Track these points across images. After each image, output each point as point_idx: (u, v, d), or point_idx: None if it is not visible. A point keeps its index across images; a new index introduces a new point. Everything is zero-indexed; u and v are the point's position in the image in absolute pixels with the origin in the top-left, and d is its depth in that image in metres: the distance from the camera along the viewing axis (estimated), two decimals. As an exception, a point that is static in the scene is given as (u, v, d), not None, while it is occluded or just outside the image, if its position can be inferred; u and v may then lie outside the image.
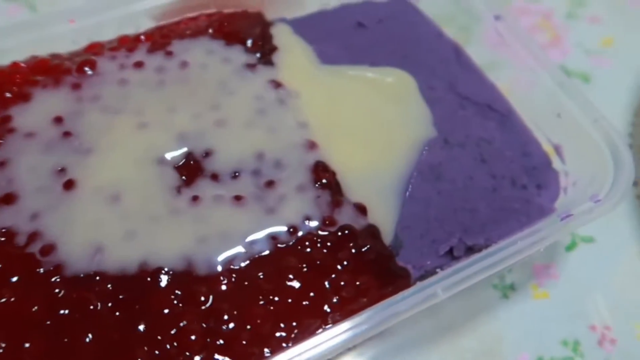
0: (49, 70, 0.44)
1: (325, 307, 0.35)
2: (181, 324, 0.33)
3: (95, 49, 0.47)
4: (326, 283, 0.36)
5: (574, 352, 0.45)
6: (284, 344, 0.33)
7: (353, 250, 0.38)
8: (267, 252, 0.37)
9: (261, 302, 0.35)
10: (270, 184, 0.40)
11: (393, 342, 0.45)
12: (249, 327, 0.34)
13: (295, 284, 0.36)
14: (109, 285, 0.34)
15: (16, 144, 0.40)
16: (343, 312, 0.35)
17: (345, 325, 0.34)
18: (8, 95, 0.42)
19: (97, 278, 0.35)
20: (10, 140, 0.40)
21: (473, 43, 0.55)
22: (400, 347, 0.45)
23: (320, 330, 0.34)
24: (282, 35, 0.50)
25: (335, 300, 0.36)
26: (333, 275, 0.36)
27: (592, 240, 0.50)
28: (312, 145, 0.42)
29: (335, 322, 0.35)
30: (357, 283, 0.36)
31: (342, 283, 0.36)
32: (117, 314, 0.34)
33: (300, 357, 0.32)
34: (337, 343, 0.33)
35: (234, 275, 0.36)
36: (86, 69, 0.44)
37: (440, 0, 0.57)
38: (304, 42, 0.50)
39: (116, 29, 0.49)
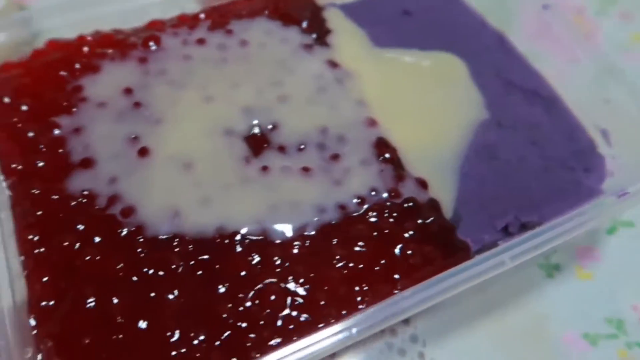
0: (114, 44, 0.45)
1: (395, 274, 0.37)
2: (260, 285, 0.35)
3: (156, 25, 0.48)
4: (395, 250, 0.37)
5: (618, 330, 0.46)
6: (360, 307, 0.35)
7: (418, 221, 0.39)
8: (337, 221, 0.38)
9: (335, 266, 0.36)
10: (335, 157, 0.41)
11: (441, 317, 0.46)
12: (325, 288, 0.35)
13: (366, 251, 0.37)
14: (189, 247, 0.36)
15: (89, 112, 0.41)
16: (411, 279, 0.37)
17: (415, 289, 0.35)
18: (77, 66, 0.43)
19: (177, 240, 0.36)
20: (83, 109, 0.41)
21: (514, 33, 0.56)
22: (448, 322, 0.46)
23: (390, 296, 0.35)
24: (334, 19, 0.52)
25: (403, 267, 0.37)
26: (400, 244, 0.38)
27: (632, 225, 0.51)
28: (372, 123, 0.44)
29: (404, 288, 0.36)
30: (423, 252, 0.38)
31: (409, 252, 0.38)
32: (199, 273, 0.35)
33: (368, 321, 0.33)
34: (409, 305, 0.34)
35: (307, 241, 0.37)
36: (151, 44, 0.46)
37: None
38: (356, 26, 0.52)
39: (160, 12, 0.50)
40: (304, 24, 0.50)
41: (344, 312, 0.34)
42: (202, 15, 0.49)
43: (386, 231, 0.38)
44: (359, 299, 0.35)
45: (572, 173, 0.45)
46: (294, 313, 0.34)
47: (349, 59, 0.48)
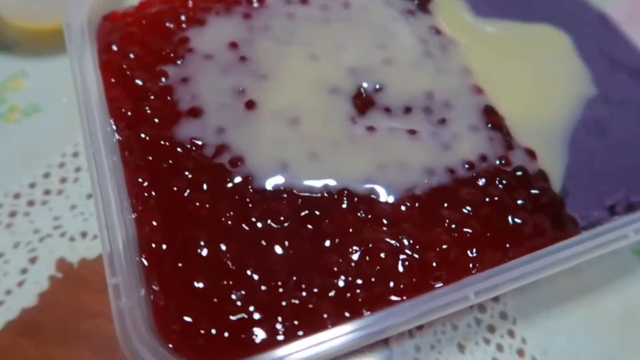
0: (218, 0, 0.45)
1: (506, 243, 0.35)
2: (370, 243, 0.34)
3: (258, -16, 0.47)
4: (506, 218, 0.36)
5: None
6: (472, 272, 0.34)
7: (530, 191, 0.38)
8: (446, 184, 0.37)
9: (445, 229, 0.35)
10: (442, 121, 0.40)
11: (531, 296, 0.45)
12: (437, 249, 0.34)
13: (477, 216, 0.36)
14: (298, 201, 0.35)
15: (196, 63, 0.41)
16: (522, 248, 0.35)
17: (525, 259, 0.34)
18: (183, 18, 0.43)
19: (286, 193, 0.36)
20: (190, 60, 0.41)
21: (612, 12, 0.54)
22: (539, 302, 0.45)
23: (502, 263, 0.34)
24: (435, -12, 0.50)
25: (515, 236, 0.36)
26: (511, 212, 0.37)
27: None
28: (478, 90, 0.42)
29: (515, 257, 0.35)
30: (535, 222, 0.36)
31: (520, 220, 0.36)
32: (308, 226, 0.34)
33: (483, 284, 0.32)
34: (524, 273, 0.33)
35: (416, 202, 0.36)
36: (254, 0, 0.45)
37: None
38: (457, -4, 0.50)
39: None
40: (405, -10, 0.49)
41: (455, 275, 0.33)
42: (303, -23, 0.48)
43: (496, 198, 0.37)
44: (470, 264, 0.34)
45: (685, 155, 0.43)
46: (405, 272, 0.33)
47: (451, 26, 0.47)
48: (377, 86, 0.41)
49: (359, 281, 0.33)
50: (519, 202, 0.37)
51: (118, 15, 0.44)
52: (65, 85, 0.37)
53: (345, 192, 0.36)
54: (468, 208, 0.36)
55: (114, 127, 0.38)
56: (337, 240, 0.34)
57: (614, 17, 0.53)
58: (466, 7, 0.49)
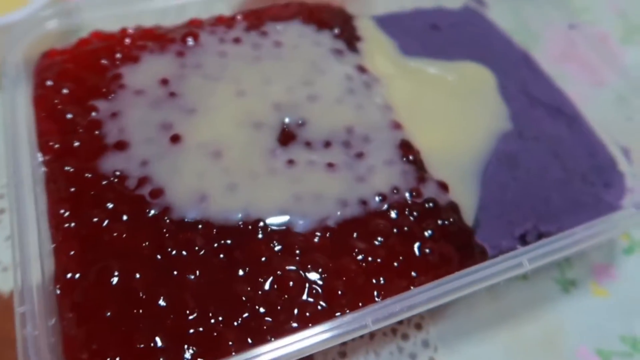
0: (154, 38, 0.47)
1: (412, 272, 0.37)
2: (279, 272, 0.35)
3: (195, 24, 0.50)
4: (414, 248, 0.38)
5: (632, 349, 0.46)
6: (376, 300, 0.35)
7: (438, 222, 0.40)
8: (358, 215, 0.39)
9: (354, 259, 0.37)
10: (359, 155, 0.42)
11: (453, 323, 0.46)
12: (343, 278, 0.36)
13: (385, 246, 0.38)
14: (213, 231, 0.37)
15: (127, 98, 0.43)
16: (428, 277, 0.37)
17: (432, 285, 0.35)
18: (118, 55, 0.45)
19: (202, 223, 0.37)
20: (121, 95, 0.43)
21: (538, 53, 0.58)
22: (461, 329, 0.46)
23: (407, 291, 0.36)
24: (365, 27, 0.53)
25: (421, 265, 0.37)
26: (419, 242, 0.38)
27: (649, 246, 0.51)
28: (397, 126, 0.45)
29: (420, 285, 0.36)
30: (442, 252, 0.38)
31: (428, 250, 0.38)
32: (221, 256, 0.36)
33: (383, 313, 0.33)
34: (424, 300, 0.34)
35: (327, 232, 0.38)
36: (189, 39, 0.48)
37: (504, 14, 0.60)
38: (386, 35, 0.53)
39: (197, 14, 0.52)
40: (336, 30, 0.51)
41: (360, 303, 0.35)
42: (239, 17, 0.51)
43: (406, 228, 0.39)
44: (375, 292, 0.36)
45: (592, 187, 0.46)
46: (311, 300, 0.35)
47: (378, 65, 0.49)
48: (300, 121, 0.43)
49: (266, 309, 0.34)
50: (427, 232, 0.39)
51: (56, 52, 0.45)
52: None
53: (260, 222, 0.37)
54: (378, 238, 0.38)
55: (41, 159, 0.39)
56: (247, 269, 0.35)
57: (539, 57, 0.56)
58: (394, 46, 0.52)
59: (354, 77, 0.47)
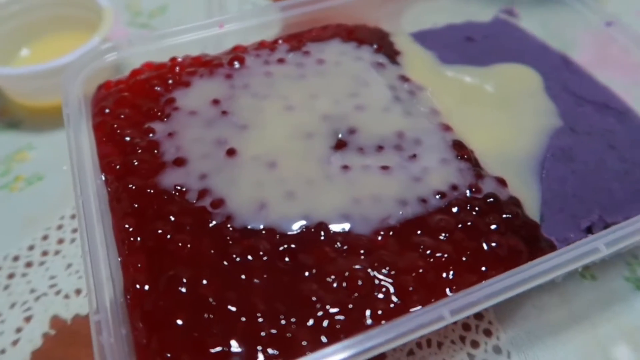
0: (203, 64, 0.49)
1: (482, 266, 0.36)
2: (347, 272, 0.35)
3: (240, 49, 0.52)
4: (480, 242, 0.37)
5: None
6: (449, 293, 0.34)
7: (502, 216, 0.39)
8: (420, 213, 0.38)
9: (421, 255, 0.36)
10: (413, 157, 0.42)
11: (526, 327, 0.44)
12: (413, 274, 0.35)
13: (451, 241, 0.37)
14: (276, 235, 0.37)
15: (181, 119, 0.44)
16: (498, 271, 0.36)
17: (506, 274, 0.34)
18: (170, 81, 0.47)
19: (265, 229, 0.37)
20: (175, 117, 0.44)
21: (574, 58, 0.58)
22: (534, 333, 0.44)
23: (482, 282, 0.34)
24: (403, 42, 0.55)
25: (490, 259, 0.36)
26: (485, 236, 0.37)
27: None
28: (447, 128, 0.45)
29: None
30: (510, 245, 0.37)
31: (495, 244, 0.37)
32: (286, 259, 0.36)
33: (459, 302, 0.32)
34: (501, 288, 0.33)
35: (390, 231, 0.37)
36: (236, 63, 0.49)
37: (535, 23, 0.61)
38: (423, 48, 0.54)
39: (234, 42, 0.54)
40: (375, 46, 0.53)
41: (432, 299, 0.34)
42: (280, 41, 0.53)
43: (469, 223, 0.38)
44: (447, 289, 0.35)
45: (653, 177, 0.44)
46: (382, 297, 0.34)
47: (419, 74, 0.50)
48: (350, 130, 0.44)
49: (337, 309, 0.33)
50: (492, 226, 0.38)
51: (112, 83, 0.48)
52: (67, 154, 0.41)
53: (322, 226, 0.37)
54: (442, 234, 0.37)
55: (104, 179, 0.41)
56: (314, 271, 0.35)
57: (577, 60, 0.56)
58: (433, 57, 0.53)
59: (398, 87, 0.48)
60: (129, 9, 0.74)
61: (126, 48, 0.50)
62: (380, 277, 0.35)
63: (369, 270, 0.35)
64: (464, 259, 0.36)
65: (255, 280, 0.35)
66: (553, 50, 0.57)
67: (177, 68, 0.49)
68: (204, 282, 0.34)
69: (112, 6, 0.60)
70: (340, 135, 0.44)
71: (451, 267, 0.35)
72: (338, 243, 0.37)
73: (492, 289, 0.33)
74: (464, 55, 0.55)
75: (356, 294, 0.34)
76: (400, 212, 0.38)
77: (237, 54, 0.50)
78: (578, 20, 0.58)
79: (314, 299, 0.34)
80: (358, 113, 0.45)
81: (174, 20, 0.70)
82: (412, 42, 0.55)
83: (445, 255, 0.36)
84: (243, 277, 0.34)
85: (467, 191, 0.40)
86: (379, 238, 0.37)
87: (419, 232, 0.37)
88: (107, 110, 0.45)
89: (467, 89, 0.49)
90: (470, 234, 0.37)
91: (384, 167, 0.41)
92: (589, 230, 0.41)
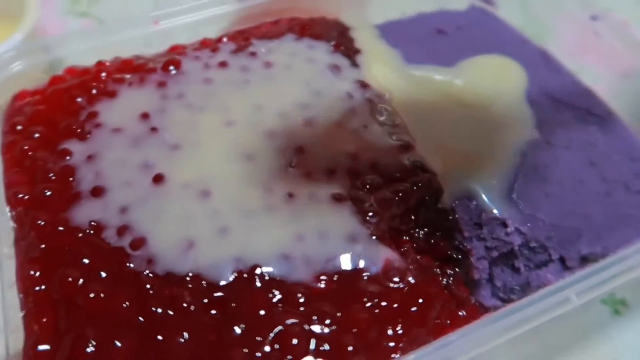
0: (133, 69, 0.43)
1: (434, 317, 0.32)
2: (281, 327, 0.30)
3: (177, 50, 0.46)
4: (434, 289, 0.33)
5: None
6: (393, 355, 0.30)
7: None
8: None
9: (365, 305, 0.31)
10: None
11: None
12: (354, 330, 0.30)
13: (402, 288, 0.32)
14: (203, 283, 0.32)
15: (103, 138, 0.39)
16: (453, 322, 0.32)
17: (464, 331, 0.30)
18: (94, 92, 0.41)
19: (190, 275, 0.32)
20: (97, 135, 0.39)
21: (555, 48, 0.52)
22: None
23: (430, 343, 0.30)
24: (364, 38, 0.49)
25: (445, 309, 0.32)
26: (443, 282, 0.33)
27: None
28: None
29: (443, 333, 0.31)
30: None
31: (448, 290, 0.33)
32: (213, 312, 0.31)
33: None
34: (458, 350, 0.29)
35: (335, 275, 0.33)
36: (171, 68, 0.43)
37: (513, 10, 0.55)
38: (387, 45, 0.48)
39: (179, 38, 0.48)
40: (331, 44, 0.47)
41: None
42: (224, 39, 0.47)
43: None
44: (391, 344, 0.30)
45: (637, 197, 0.40)
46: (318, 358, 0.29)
47: (381, 77, 0.45)
48: (298, 149, 0.39)
49: (267, 375, 0.29)
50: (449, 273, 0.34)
51: (27, 93, 0.42)
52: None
53: (257, 269, 0.33)
54: (394, 279, 0.33)
55: (10, 214, 0.35)
56: (244, 327, 0.30)
57: (555, 51, 0.51)
58: (397, 56, 0.47)
59: (355, 95, 0.43)
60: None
61: (53, 48, 0.44)
62: (318, 334, 0.30)
63: (305, 325, 0.30)
64: (413, 309, 0.32)
65: (177, 340, 0.30)
66: (532, 45, 0.52)
67: (104, 74, 0.43)
68: (117, 343, 0.30)
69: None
70: (286, 157, 0.38)
71: (400, 320, 0.31)
72: (274, 290, 0.32)
73: (443, 354, 0.28)
74: (434, 51, 0.49)
75: (289, 357, 0.29)
76: (350, 253, 0.34)
77: (174, 56, 0.44)
78: (557, 6, 0.52)
79: (242, 364, 0.29)
80: (307, 129, 0.40)
81: (118, 9, 0.63)
82: (376, 37, 0.49)
83: (395, 306, 0.31)
84: (161, 337, 0.30)
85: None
86: (322, 287, 0.32)
87: (365, 276, 0.33)
88: (19, 127, 0.39)
89: (434, 95, 0.44)
90: (426, 282, 0.33)
91: (335, 197, 0.36)
92: (562, 262, 0.37)
